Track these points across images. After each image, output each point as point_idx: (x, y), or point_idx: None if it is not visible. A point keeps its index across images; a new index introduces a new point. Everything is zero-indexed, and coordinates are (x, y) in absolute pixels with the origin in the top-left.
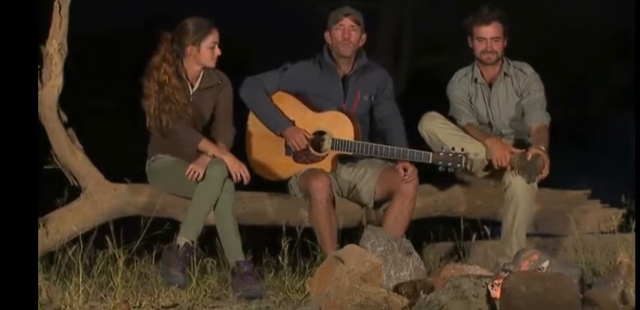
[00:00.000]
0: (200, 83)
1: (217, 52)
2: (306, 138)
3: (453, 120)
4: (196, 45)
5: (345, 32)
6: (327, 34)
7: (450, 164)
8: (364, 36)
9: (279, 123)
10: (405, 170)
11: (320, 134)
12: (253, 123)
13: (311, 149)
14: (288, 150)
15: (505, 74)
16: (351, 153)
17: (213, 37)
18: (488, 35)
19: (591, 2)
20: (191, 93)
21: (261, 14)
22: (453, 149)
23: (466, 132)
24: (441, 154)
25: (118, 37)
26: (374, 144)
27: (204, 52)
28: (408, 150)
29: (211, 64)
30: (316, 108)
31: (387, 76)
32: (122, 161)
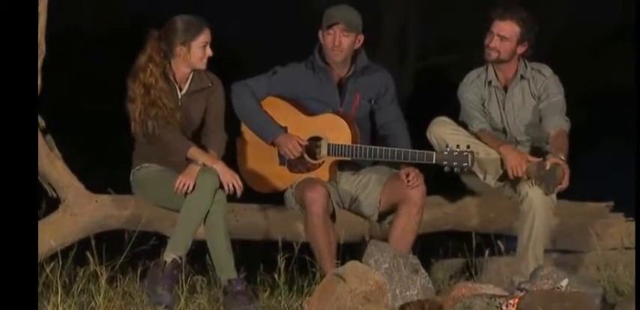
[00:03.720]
0: (189, 86)
1: (209, 52)
2: (300, 145)
3: (464, 125)
4: (186, 45)
5: (336, 39)
6: (320, 33)
7: (455, 163)
8: (360, 37)
9: (269, 131)
10: (408, 175)
11: (315, 140)
12: (245, 131)
13: (306, 156)
14: (282, 159)
15: (522, 76)
16: (349, 159)
17: (204, 37)
18: (496, 31)
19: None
20: (179, 96)
21: (256, 11)
22: (458, 147)
23: (479, 138)
24: (445, 153)
25: (101, 38)
26: (373, 147)
27: (194, 53)
28: (410, 150)
29: (201, 65)
30: (310, 112)
31: (388, 77)
32: (105, 170)
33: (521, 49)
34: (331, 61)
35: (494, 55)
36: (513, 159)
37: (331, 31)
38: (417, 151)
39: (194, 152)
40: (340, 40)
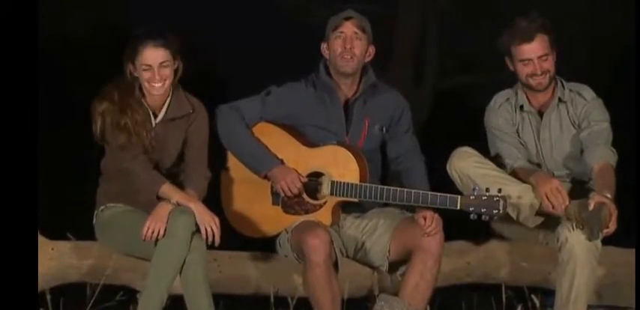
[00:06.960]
0: (166, 112)
1: (164, 73)
2: (299, 181)
3: (490, 157)
4: (134, 64)
5: (347, 41)
6: (324, 46)
7: (483, 210)
8: (372, 49)
9: (263, 162)
10: (425, 219)
11: (316, 176)
12: (232, 165)
13: (305, 195)
14: (276, 197)
15: (559, 100)
16: (356, 200)
17: (149, 57)
18: (534, 55)
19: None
20: (153, 124)
21: (246, 24)
22: (487, 190)
23: (513, 175)
24: (472, 198)
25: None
26: (385, 188)
27: (140, 75)
28: (430, 193)
29: (155, 90)
30: (310, 142)
31: (402, 100)
32: (63, 212)
33: (555, 55)
34: (339, 74)
35: (546, 80)
36: (546, 186)
37: (340, 33)
38: (439, 194)
39: (167, 189)
40: (352, 43)
